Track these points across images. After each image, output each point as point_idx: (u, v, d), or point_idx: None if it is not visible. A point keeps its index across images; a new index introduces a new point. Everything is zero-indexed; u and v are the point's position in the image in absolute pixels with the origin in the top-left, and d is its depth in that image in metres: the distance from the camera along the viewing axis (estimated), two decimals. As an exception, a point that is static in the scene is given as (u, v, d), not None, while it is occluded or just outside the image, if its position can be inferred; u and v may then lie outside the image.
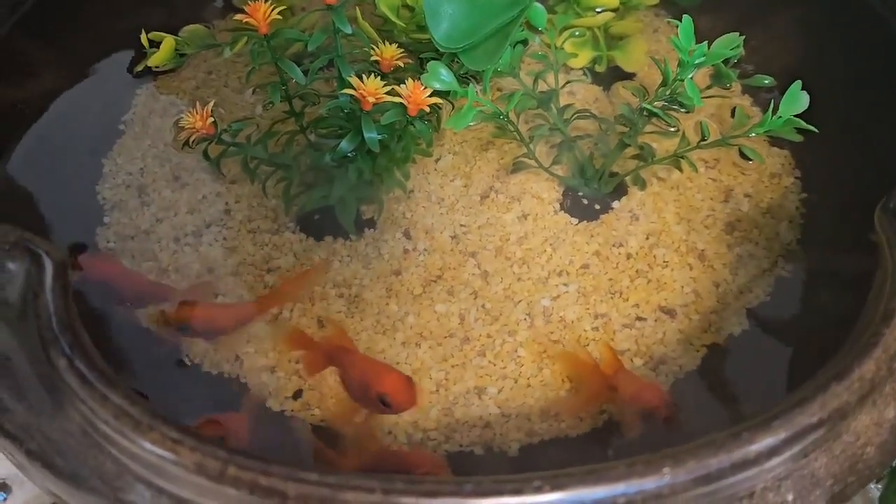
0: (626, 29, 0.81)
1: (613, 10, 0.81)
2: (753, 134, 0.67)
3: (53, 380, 0.49)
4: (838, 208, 0.71)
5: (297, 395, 0.63)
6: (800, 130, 0.65)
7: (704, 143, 0.68)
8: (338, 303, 0.67)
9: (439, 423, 0.62)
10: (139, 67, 0.79)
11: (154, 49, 0.78)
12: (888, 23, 0.77)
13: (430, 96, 0.64)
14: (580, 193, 0.73)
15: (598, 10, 0.81)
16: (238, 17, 0.66)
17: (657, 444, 0.51)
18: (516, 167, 0.74)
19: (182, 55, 0.80)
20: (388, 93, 0.64)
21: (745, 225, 0.71)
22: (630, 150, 0.72)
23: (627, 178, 0.73)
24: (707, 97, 0.69)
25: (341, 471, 0.44)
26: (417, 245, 0.70)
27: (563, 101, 0.75)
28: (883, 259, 0.54)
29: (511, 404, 0.62)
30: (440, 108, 0.70)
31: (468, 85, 0.66)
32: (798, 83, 0.65)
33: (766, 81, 0.77)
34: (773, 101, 0.66)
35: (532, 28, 0.73)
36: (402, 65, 0.67)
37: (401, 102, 0.64)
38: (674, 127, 0.72)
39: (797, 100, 0.65)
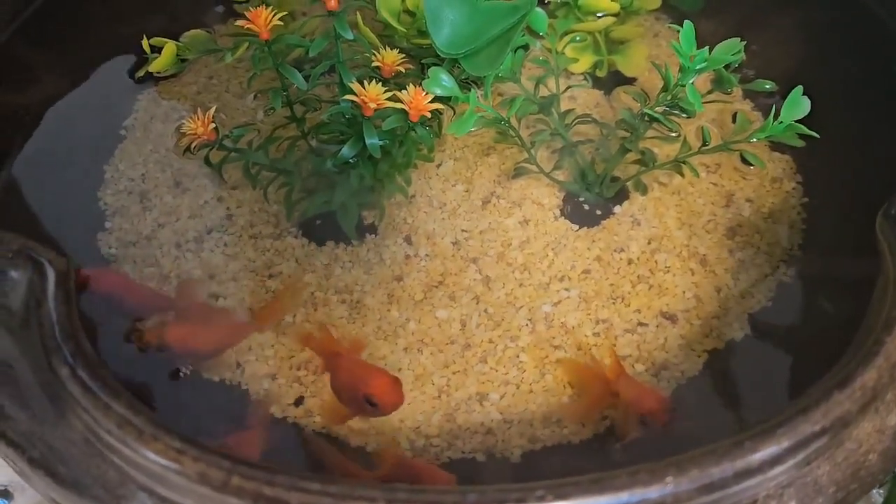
0: (626, 33, 0.81)
1: (614, 15, 0.81)
2: (755, 139, 0.67)
3: (56, 388, 0.49)
4: (840, 213, 0.71)
5: (299, 401, 0.63)
6: (801, 135, 0.65)
7: (706, 148, 0.68)
8: (339, 308, 0.67)
9: (441, 429, 0.62)
10: (140, 73, 0.79)
11: (155, 54, 0.78)
12: (887, 26, 0.77)
13: (431, 102, 0.64)
14: (581, 199, 0.73)
15: (599, 14, 0.81)
16: (239, 22, 0.66)
17: (658, 448, 0.52)
18: (518, 172, 0.74)
19: (183, 60, 0.80)
20: (389, 98, 0.64)
21: (746, 230, 0.71)
22: (631, 155, 0.72)
23: (629, 183, 0.73)
24: (708, 102, 0.69)
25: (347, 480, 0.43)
26: (419, 251, 0.70)
27: (564, 106, 0.75)
28: (884, 266, 0.54)
29: (513, 410, 0.63)
30: (441, 114, 0.70)
31: (469, 90, 0.66)
32: (799, 88, 0.65)
33: (768, 86, 0.77)
34: (774, 105, 0.66)
35: (533, 33, 0.73)
36: (403, 70, 0.67)
37: (402, 108, 0.64)
38: (675, 132, 0.73)
39: (798, 105, 0.65)
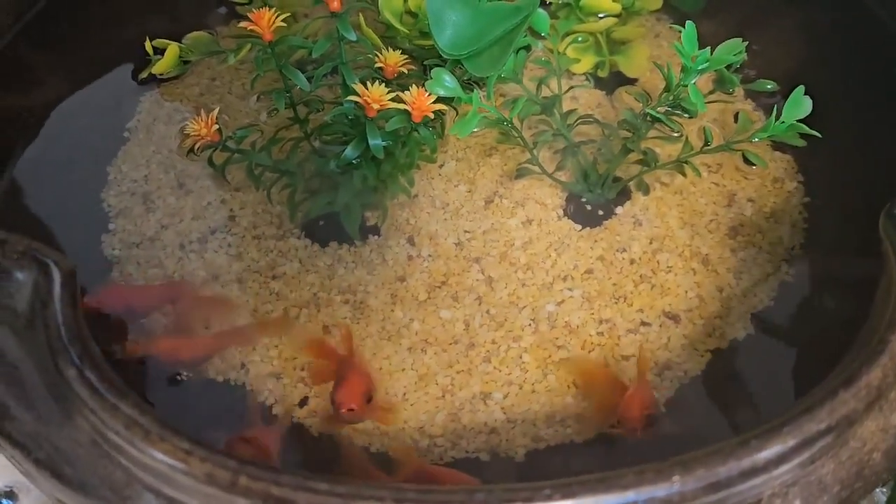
0: (628, 34, 0.81)
1: (616, 16, 0.81)
2: (756, 139, 0.67)
3: (62, 389, 0.49)
4: (842, 213, 0.71)
5: (303, 402, 0.63)
6: (803, 135, 0.66)
7: (708, 148, 0.68)
8: (343, 309, 0.67)
9: (445, 428, 0.62)
10: (143, 75, 0.79)
11: (158, 56, 0.78)
12: (888, 27, 0.78)
13: (434, 103, 0.64)
14: (584, 199, 0.73)
15: (601, 15, 0.81)
16: (242, 24, 0.66)
17: (662, 449, 0.52)
18: (520, 173, 0.74)
19: (186, 62, 0.80)
20: (392, 99, 0.64)
21: (748, 229, 0.71)
22: (633, 156, 0.73)
23: (631, 184, 0.73)
24: (710, 102, 0.70)
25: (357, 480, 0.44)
26: (422, 251, 0.70)
27: (566, 107, 0.76)
28: (888, 266, 0.54)
29: (516, 410, 0.63)
30: (444, 115, 0.70)
31: (472, 91, 0.67)
32: (801, 88, 0.65)
33: (769, 86, 0.77)
34: (775, 105, 0.66)
35: (535, 34, 0.73)
36: (405, 71, 0.67)
37: (405, 109, 0.64)
38: (677, 132, 0.73)
39: (800, 105, 0.65)
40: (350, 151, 0.67)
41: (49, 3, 0.81)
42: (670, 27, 0.83)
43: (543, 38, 0.75)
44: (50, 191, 0.73)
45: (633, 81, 0.80)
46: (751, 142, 0.68)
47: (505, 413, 0.63)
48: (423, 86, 0.64)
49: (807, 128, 0.65)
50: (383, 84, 0.64)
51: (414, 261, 0.70)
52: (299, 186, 0.72)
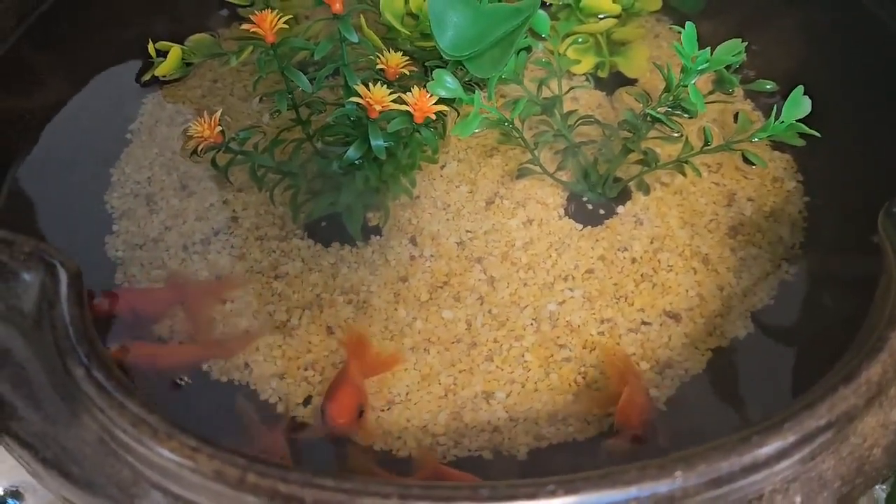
0: (628, 35, 0.82)
1: (615, 17, 0.82)
2: (756, 139, 0.68)
3: (69, 389, 0.49)
4: (841, 212, 0.72)
5: (307, 401, 0.63)
6: (802, 135, 0.66)
7: (708, 147, 0.69)
8: (346, 309, 0.67)
9: (448, 427, 0.62)
10: (146, 77, 0.80)
11: (161, 58, 0.79)
12: (888, 27, 0.78)
13: (435, 104, 0.64)
14: (584, 199, 0.73)
15: (601, 16, 0.81)
16: (245, 26, 0.66)
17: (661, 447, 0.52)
18: (521, 173, 0.74)
19: (188, 64, 0.80)
20: (394, 101, 0.64)
21: (748, 229, 0.71)
22: (634, 156, 0.73)
23: (631, 184, 0.74)
24: (709, 102, 0.70)
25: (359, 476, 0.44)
26: (424, 251, 0.70)
27: (566, 108, 0.76)
28: (887, 263, 0.55)
29: (519, 409, 0.63)
30: (446, 116, 0.71)
31: (473, 92, 0.67)
32: (800, 88, 0.66)
33: (769, 86, 0.78)
34: (775, 105, 0.66)
35: (535, 35, 0.73)
36: (407, 72, 0.68)
37: (407, 110, 0.64)
38: (677, 132, 0.73)
39: (800, 104, 0.65)
40: (352, 152, 0.67)
41: (52, 6, 0.81)
42: (670, 28, 0.84)
43: (544, 39, 0.75)
44: (53, 193, 0.73)
45: (633, 82, 0.81)
46: (750, 142, 0.69)
47: (507, 412, 0.63)
48: (425, 87, 0.65)
49: (806, 128, 0.65)
50: (385, 85, 0.65)
51: (416, 261, 0.70)
52: (302, 187, 0.72)
